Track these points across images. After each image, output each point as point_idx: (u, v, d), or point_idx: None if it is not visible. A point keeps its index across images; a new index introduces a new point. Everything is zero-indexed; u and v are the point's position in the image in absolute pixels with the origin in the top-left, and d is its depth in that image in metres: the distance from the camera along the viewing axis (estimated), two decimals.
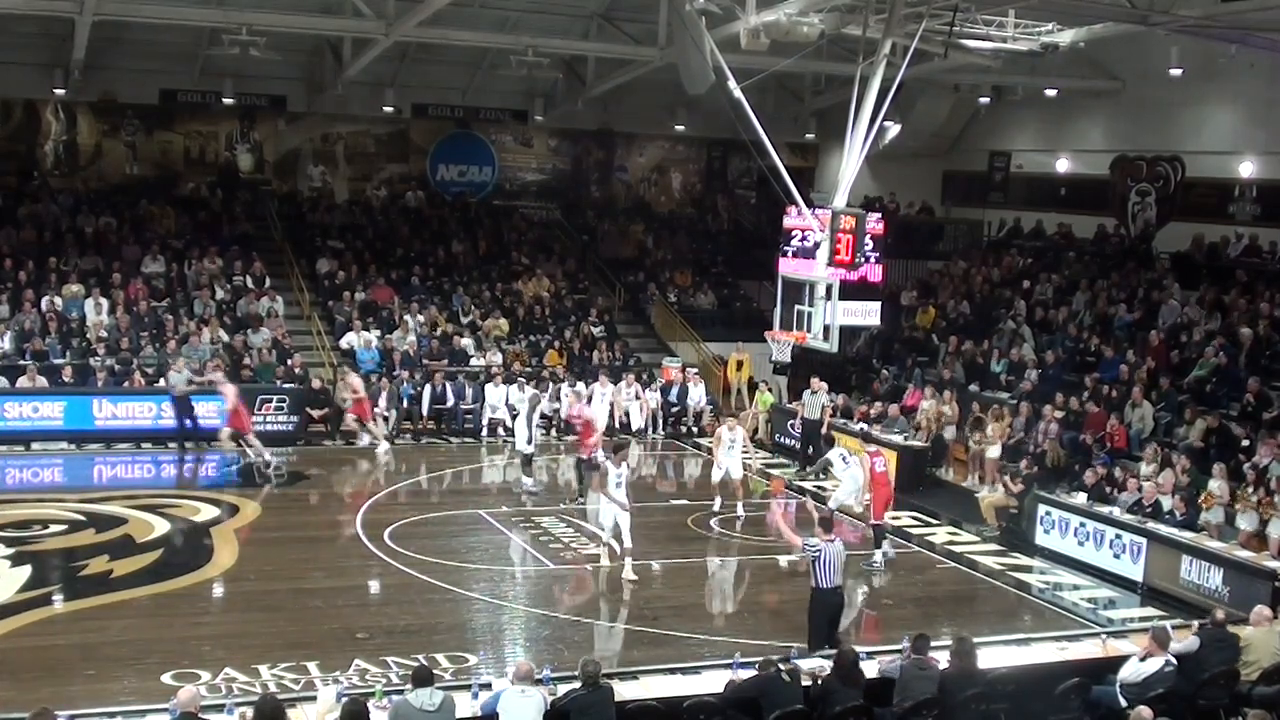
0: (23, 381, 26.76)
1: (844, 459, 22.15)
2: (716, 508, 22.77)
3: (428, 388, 28.96)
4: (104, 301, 29.94)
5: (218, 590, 18.09)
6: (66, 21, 28.13)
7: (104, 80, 33.90)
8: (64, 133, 35.64)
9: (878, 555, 20.20)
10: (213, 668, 14.58)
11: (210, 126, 36.78)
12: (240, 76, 33.75)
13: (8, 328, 28.26)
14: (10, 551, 18.76)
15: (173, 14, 27.90)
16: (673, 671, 13.72)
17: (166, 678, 14.11)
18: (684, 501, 23.75)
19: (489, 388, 29.33)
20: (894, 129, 26.27)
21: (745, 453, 24.47)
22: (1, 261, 30.69)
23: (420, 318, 32.09)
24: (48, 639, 15.60)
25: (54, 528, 20.19)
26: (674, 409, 30.89)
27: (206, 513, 21.55)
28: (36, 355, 27.67)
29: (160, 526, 20.55)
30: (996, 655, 14.02)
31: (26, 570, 17.98)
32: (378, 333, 31.15)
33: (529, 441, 24.02)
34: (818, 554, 15.00)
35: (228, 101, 35.10)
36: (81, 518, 20.71)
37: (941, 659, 13.09)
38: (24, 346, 27.95)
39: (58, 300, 29.56)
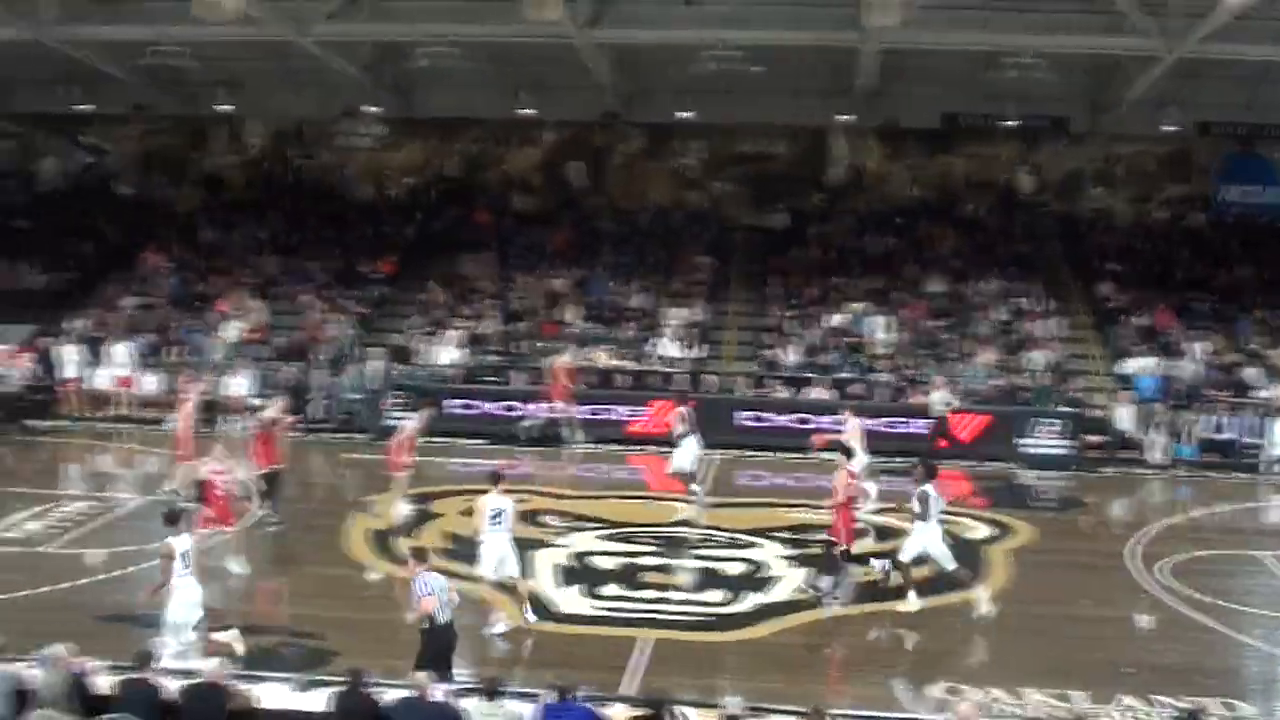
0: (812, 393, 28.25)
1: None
2: None
3: (1204, 418, 27.49)
4: (886, 319, 31.00)
5: (987, 608, 18.04)
6: (849, 51, 29.39)
7: (887, 106, 35.11)
8: (848, 156, 37.28)
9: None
10: (978, 683, 14.56)
11: (990, 149, 37.15)
12: (1021, 98, 33.63)
13: (798, 342, 29.98)
14: (792, 553, 19.76)
15: (954, 40, 28.40)
16: None
17: (936, 690, 14.27)
18: None
19: (1274, 422, 27.47)
20: None
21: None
22: (791, 279, 32.62)
23: (1203, 345, 30.63)
24: (819, 638, 16.25)
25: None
26: None
27: (980, 531, 21.63)
28: (822, 369, 29.15)
29: None
30: None
31: (802, 572, 18.80)
32: (1158, 359, 30.07)
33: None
34: (427, 586, 13.61)
35: (1008, 124, 35.23)
36: (866, 528, 21.23)
37: None
38: (811, 360, 29.55)
39: (842, 317, 31.00)
